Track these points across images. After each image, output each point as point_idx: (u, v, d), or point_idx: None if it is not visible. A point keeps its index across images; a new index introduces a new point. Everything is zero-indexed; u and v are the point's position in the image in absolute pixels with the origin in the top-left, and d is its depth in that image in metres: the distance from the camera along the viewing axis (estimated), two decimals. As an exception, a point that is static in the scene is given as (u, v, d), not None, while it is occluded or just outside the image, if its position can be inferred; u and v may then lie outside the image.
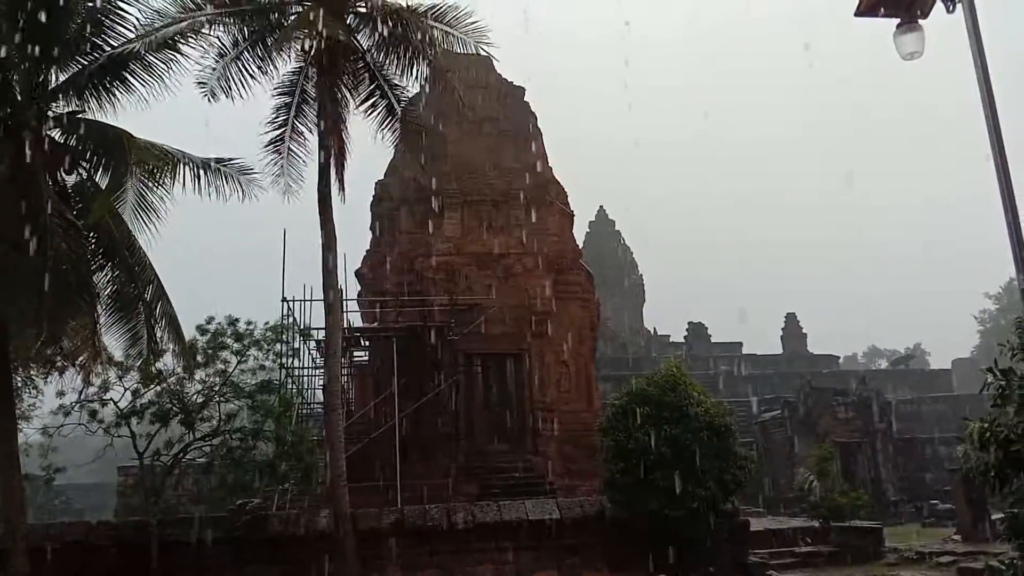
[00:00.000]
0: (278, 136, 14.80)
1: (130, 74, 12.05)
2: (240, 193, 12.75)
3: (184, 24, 12.62)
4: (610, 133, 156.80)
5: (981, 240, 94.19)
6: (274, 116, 14.88)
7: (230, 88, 13.85)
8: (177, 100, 12.83)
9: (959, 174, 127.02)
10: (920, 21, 6.71)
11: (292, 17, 13.96)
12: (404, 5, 14.12)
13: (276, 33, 13.70)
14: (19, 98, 11.31)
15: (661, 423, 14.86)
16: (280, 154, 14.70)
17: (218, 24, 13.19)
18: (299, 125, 14.84)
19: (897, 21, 6.85)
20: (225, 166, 12.65)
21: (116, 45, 11.97)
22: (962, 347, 69.87)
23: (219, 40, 13.42)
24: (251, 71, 13.93)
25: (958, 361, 57.62)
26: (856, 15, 7.03)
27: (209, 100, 13.65)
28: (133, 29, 12.07)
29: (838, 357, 57.21)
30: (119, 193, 11.38)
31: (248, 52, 13.83)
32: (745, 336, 65.24)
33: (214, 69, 13.63)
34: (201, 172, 12.35)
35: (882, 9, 6.72)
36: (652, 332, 56.13)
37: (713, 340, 55.02)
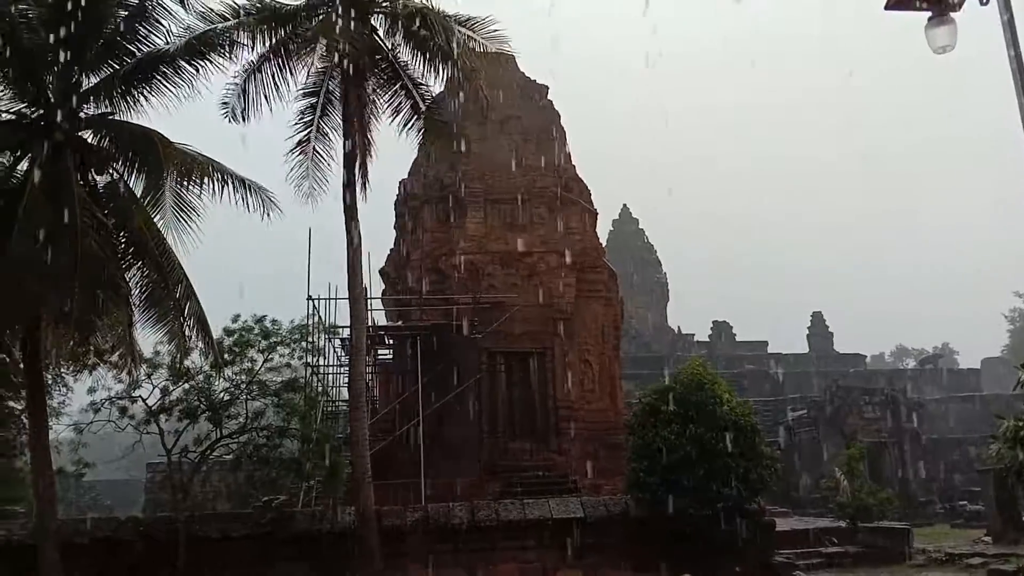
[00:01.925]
0: (304, 138, 14.89)
1: (162, 78, 12.21)
2: (265, 206, 12.88)
3: (215, 32, 12.76)
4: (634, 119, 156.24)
5: (1012, 239, 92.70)
6: (299, 118, 14.99)
7: (259, 94, 13.98)
8: (205, 105, 13.05)
9: (987, 180, 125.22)
10: (952, 14, 6.60)
11: (318, 19, 14.03)
12: (428, 5, 14.15)
13: (302, 37, 13.77)
14: (52, 99, 11.50)
15: (687, 422, 14.78)
16: (306, 155, 14.80)
17: (247, 30, 13.28)
18: (324, 126, 14.93)
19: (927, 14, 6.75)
20: (249, 181, 12.84)
21: (148, 51, 12.16)
22: (991, 346, 68.83)
23: (248, 45, 13.51)
24: (279, 75, 14.02)
25: (987, 360, 56.81)
26: (886, 8, 6.93)
27: (240, 100, 13.83)
28: (164, 37, 12.26)
29: (865, 356, 56.62)
30: (156, 196, 11.55)
31: (270, 60, 13.92)
32: (771, 335, 64.60)
33: (244, 81, 13.76)
34: (229, 180, 12.52)
35: (913, 1, 6.61)
36: (676, 331, 55.82)
37: (738, 339, 54.65)
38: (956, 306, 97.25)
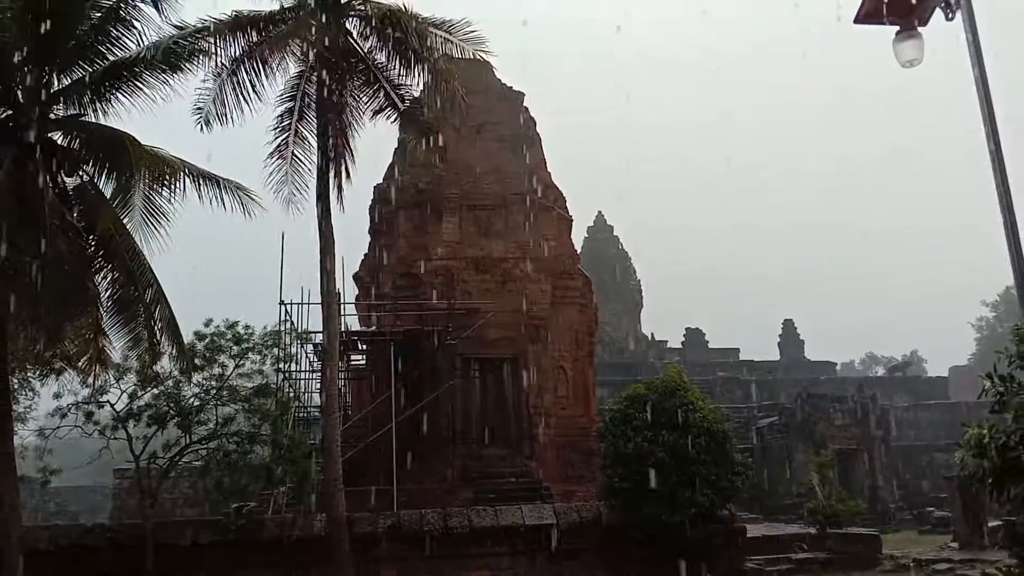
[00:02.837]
0: (282, 143, 14.77)
1: (135, 81, 12.07)
2: (240, 206, 12.74)
3: (190, 35, 12.64)
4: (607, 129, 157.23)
5: (978, 248, 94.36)
6: (278, 123, 14.87)
7: (236, 98, 13.84)
8: (179, 108, 12.91)
9: (961, 188, 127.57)
10: (920, 28, 6.73)
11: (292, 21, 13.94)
12: (403, 8, 14.14)
13: (275, 38, 13.67)
14: (21, 100, 11.34)
15: (660, 429, 14.87)
16: (285, 160, 14.68)
17: (222, 35, 13.18)
18: (302, 130, 14.81)
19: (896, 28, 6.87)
20: (225, 179, 12.70)
21: (120, 55, 12.03)
22: (959, 354, 69.97)
23: (224, 50, 13.38)
24: (256, 79, 13.89)
25: (955, 369, 57.68)
26: (855, 22, 7.06)
27: (216, 110, 13.69)
28: (138, 40, 12.14)
29: (835, 364, 57.22)
30: (125, 199, 11.41)
31: (246, 63, 13.80)
32: (743, 342, 65.21)
33: (219, 86, 13.63)
34: (202, 182, 12.39)
35: (882, 15, 6.73)
36: (650, 337, 56.14)
37: (711, 346, 55.08)
38: (925, 315, 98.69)
